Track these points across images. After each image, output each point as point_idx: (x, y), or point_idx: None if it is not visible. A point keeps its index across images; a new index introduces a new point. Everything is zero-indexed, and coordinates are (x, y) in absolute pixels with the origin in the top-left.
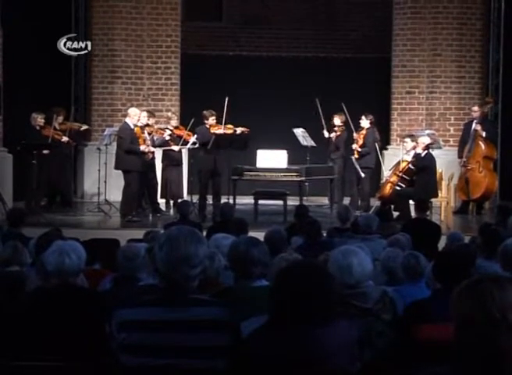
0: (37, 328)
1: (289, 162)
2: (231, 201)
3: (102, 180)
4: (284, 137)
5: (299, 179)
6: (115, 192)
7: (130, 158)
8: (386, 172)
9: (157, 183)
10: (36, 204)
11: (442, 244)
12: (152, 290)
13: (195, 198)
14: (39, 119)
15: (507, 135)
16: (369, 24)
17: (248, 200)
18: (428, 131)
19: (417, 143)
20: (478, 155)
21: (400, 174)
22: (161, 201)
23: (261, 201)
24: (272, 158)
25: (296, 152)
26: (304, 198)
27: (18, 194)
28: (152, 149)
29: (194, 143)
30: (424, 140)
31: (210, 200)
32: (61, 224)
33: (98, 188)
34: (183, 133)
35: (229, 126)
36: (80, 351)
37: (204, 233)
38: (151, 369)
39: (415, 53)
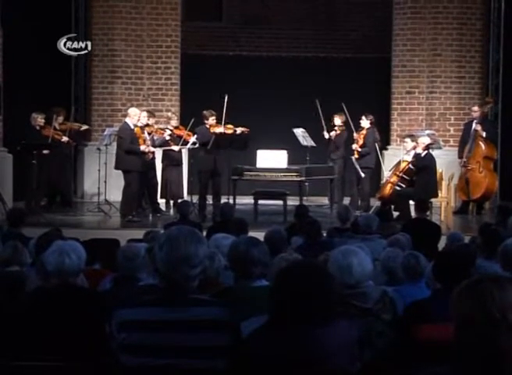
0: (37, 328)
1: (289, 162)
2: (231, 201)
3: (102, 180)
4: (284, 137)
5: (299, 179)
6: (115, 192)
7: (130, 158)
8: (386, 172)
9: (157, 184)
10: (36, 204)
11: (442, 244)
12: (152, 290)
13: (195, 198)
14: (39, 119)
15: (507, 135)
16: (369, 24)
17: (248, 200)
18: (428, 131)
19: (417, 143)
20: (478, 156)
21: (400, 174)
22: (161, 202)
23: (261, 201)
24: (271, 159)
25: (296, 152)
26: (304, 198)
27: (18, 194)
28: (152, 149)
29: (194, 143)
30: (425, 140)
31: (210, 200)
32: (61, 224)
33: (98, 188)
34: (183, 133)
35: (229, 126)
36: (79, 351)
37: (204, 234)
38: (151, 369)
39: (415, 53)
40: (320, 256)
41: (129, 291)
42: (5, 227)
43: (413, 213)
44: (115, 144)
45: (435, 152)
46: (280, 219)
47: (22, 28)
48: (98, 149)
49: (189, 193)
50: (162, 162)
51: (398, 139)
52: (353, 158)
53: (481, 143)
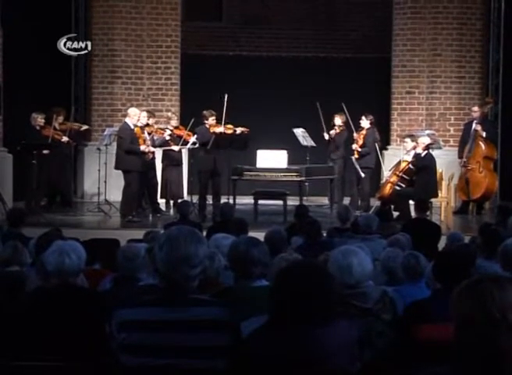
0: (37, 328)
1: (289, 162)
2: (231, 201)
3: (102, 180)
4: (284, 137)
5: (299, 179)
6: (115, 192)
7: (130, 158)
8: (386, 172)
9: (157, 184)
10: (36, 204)
11: (442, 244)
12: (152, 290)
13: (195, 198)
14: (39, 119)
15: (507, 135)
16: (369, 24)
17: (248, 200)
18: (428, 131)
19: (417, 143)
20: (478, 156)
21: (400, 174)
22: (161, 202)
23: (261, 201)
24: (271, 159)
25: (296, 152)
26: (304, 198)
27: (18, 194)
28: (152, 149)
29: (194, 143)
30: (425, 140)
31: (210, 200)
32: (61, 224)
33: (98, 188)
34: (183, 133)
35: (229, 126)
36: (80, 351)
37: (204, 234)
38: (151, 369)
39: (415, 53)
40: (320, 256)
41: (129, 291)
42: (5, 227)
43: (413, 213)
44: (115, 144)
45: (435, 152)
46: (280, 219)
47: (22, 28)
48: (98, 149)
49: (189, 193)
50: (162, 162)
51: (398, 139)
52: (353, 158)
53: (481, 143)
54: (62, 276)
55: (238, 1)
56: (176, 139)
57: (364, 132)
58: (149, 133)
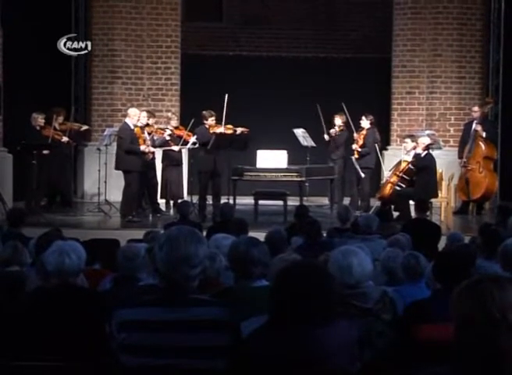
0: (37, 328)
1: (290, 162)
2: (231, 201)
3: (102, 181)
4: (284, 138)
5: (299, 179)
6: (115, 192)
7: (130, 158)
8: (386, 172)
9: (157, 184)
10: (36, 204)
11: (442, 244)
12: (152, 290)
13: (195, 199)
14: (39, 120)
15: (507, 135)
16: (369, 24)
17: (248, 200)
18: (428, 132)
19: (417, 143)
20: (478, 156)
21: (400, 174)
22: (161, 202)
23: (261, 202)
24: (272, 159)
25: (297, 152)
26: (304, 198)
27: (18, 194)
28: (152, 149)
29: (194, 143)
30: (425, 140)
31: (210, 200)
32: (61, 224)
33: (98, 188)
34: (183, 133)
35: (229, 126)
36: (80, 351)
37: (204, 234)
38: (151, 369)
39: (415, 53)
40: (320, 256)
41: (129, 291)
42: (5, 227)
43: (413, 213)
44: (115, 144)
45: (435, 152)
46: (280, 219)
47: (22, 28)
48: (98, 149)
49: (189, 193)
50: (162, 162)
51: (398, 139)
52: (353, 158)
53: (481, 143)
54: (62, 276)
55: (238, 2)
56: (176, 139)
57: (364, 132)
58: (149, 134)
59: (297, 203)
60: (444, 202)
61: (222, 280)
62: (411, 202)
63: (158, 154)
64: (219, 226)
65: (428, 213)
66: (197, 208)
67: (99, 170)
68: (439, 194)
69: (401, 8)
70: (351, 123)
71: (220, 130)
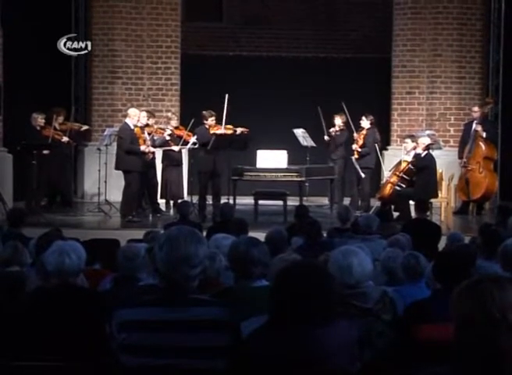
0: (37, 328)
1: (289, 162)
2: (231, 201)
3: (102, 181)
4: (284, 138)
5: (299, 179)
6: (115, 192)
7: (130, 158)
8: (386, 172)
9: (157, 184)
10: (36, 204)
11: (442, 244)
12: (152, 290)
13: (195, 199)
14: (39, 120)
15: (507, 136)
16: (369, 24)
17: (248, 200)
18: (428, 132)
19: (417, 143)
20: (478, 156)
21: (400, 174)
22: (161, 202)
23: (261, 202)
24: (272, 159)
25: (297, 152)
26: (304, 198)
27: (18, 194)
28: (152, 149)
29: (194, 143)
30: (425, 140)
31: (210, 200)
32: (61, 224)
33: (98, 188)
34: (183, 133)
35: (229, 126)
36: (80, 351)
37: (204, 234)
38: (151, 369)
39: (415, 53)
40: (320, 256)
41: (129, 291)
42: (6, 227)
43: (413, 213)
44: (115, 144)
45: (435, 153)
46: (280, 219)
47: (22, 28)
48: (98, 149)
49: (189, 193)
50: (162, 162)
51: (398, 139)
52: (353, 158)
53: (481, 143)
54: (62, 277)
55: (238, 2)
56: (176, 139)
57: (364, 132)
58: (149, 134)
59: (297, 203)
60: (444, 202)
61: (222, 280)
62: (411, 202)
63: (158, 154)
64: (219, 226)
65: (428, 213)
66: (197, 208)
67: (99, 170)
68: (439, 195)
69: (401, 9)
70: (351, 123)
71: (220, 131)
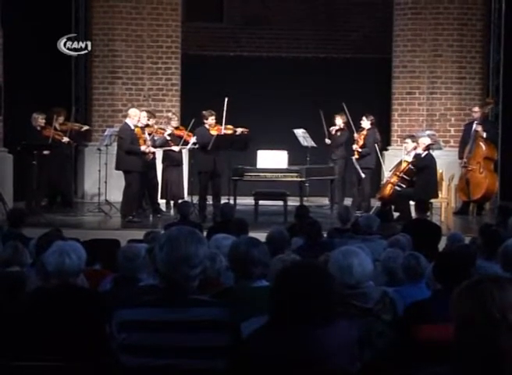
0: (37, 328)
1: (290, 162)
2: (231, 201)
3: (103, 181)
4: (284, 138)
5: (299, 179)
6: (115, 192)
7: (131, 158)
8: (387, 172)
9: (157, 184)
10: (36, 204)
11: (442, 244)
12: (152, 290)
13: (195, 199)
14: (40, 120)
15: (508, 136)
16: (370, 25)
17: (248, 200)
18: (428, 132)
19: (417, 144)
20: (478, 156)
21: (401, 175)
22: (162, 202)
23: (261, 202)
24: (272, 159)
25: (297, 153)
26: (305, 198)
27: (18, 195)
28: (153, 150)
29: (195, 143)
30: (425, 140)
31: (210, 200)
32: (61, 224)
33: (99, 189)
34: (184, 133)
35: (229, 126)
36: (80, 351)
37: (205, 234)
38: (151, 369)
39: (416, 54)
40: (320, 257)
41: (130, 292)
42: (6, 227)
43: (413, 214)
44: (115, 144)
45: (435, 153)
46: (280, 219)
47: (22, 28)
48: (99, 150)
49: (189, 193)
50: (163, 162)
51: (399, 140)
52: (353, 158)
53: (481, 144)
54: (62, 277)
55: (239, 2)
56: (177, 139)
57: (364, 132)
58: (149, 134)
59: (297, 203)
60: (444, 203)
61: (223, 281)
62: (412, 203)
63: (159, 154)
64: (220, 227)
65: (428, 214)
66: (198, 208)
67: (99, 170)
68: (440, 195)
69: (401, 9)
70: (352, 124)
71: (220, 131)
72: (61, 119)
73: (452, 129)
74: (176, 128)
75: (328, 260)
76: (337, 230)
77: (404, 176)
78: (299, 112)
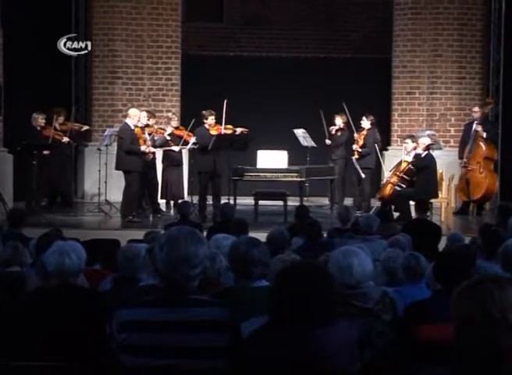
0: (37, 328)
1: (290, 162)
2: (231, 201)
3: (103, 181)
4: (284, 138)
5: (299, 179)
6: (115, 192)
7: (131, 158)
8: (387, 172)
9: (157, 184)
10: (36, 204)
11: (442, 244)
12: (152, 290)
13: (195, 199)
14: (40, 120)
15: (508, 136)
16: (370, 25)
17: (248, 200)
18: (428, 132)
19: (417, 144)
20: (478, 156)
21: (401, 175)
22: (162, 202)
23: (261, 202)
24: (272, 159)
25: (297, 153)
26: (305, 198)
27: (18, 195)
28: (153, 150)
29: (195, 143)
30: (425, 140)
31: (210, 200)
32: (61, 224)
33: (99, 189)
34: (184, 133)
35: (229, 126)
36: (80, 351)
37: (205, 234)
38: (151, 369)
39: (416, 54)
40: (320, 257)
41: (130, 292)
42: (6, 227)
43: (413, 214)
44: (115, 144)
45: (435, 153)
46: (280, 219)
47: (22, 28)
48: (99, 150)
49: (189, 193)
50: (163, 162)
51: (399, 140)
52: (353, 158)
53: (481, 144)
54: (62, 277)
55: (239, 2)
56: (177, 139)
57: (364, 132)
58: (149, 134)
59: (297, 203)
60: (444, 203)
61: (223, 281)
62: (412, 203)
63: (159, 154)
64: (220, 227)
65: (428, 214)
66: (198, 208)
67: (99, 170)
68: (440, 195)
69: (401, 9)
70: (352, 124)
71: (220, 132)
72: (61, 119)
73: (452, 129)
74: (176, 128)
75: (328, 260)
76: (337, 230)
77: (404, 176)
78: (299, 112)
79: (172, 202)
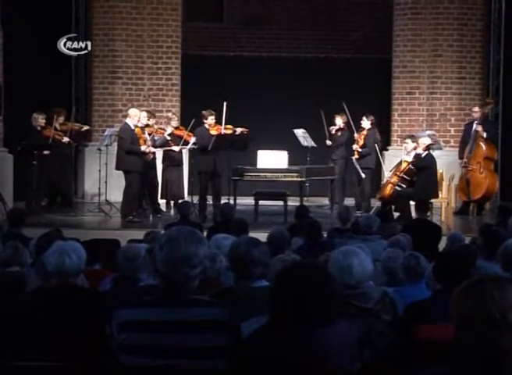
0: (37, 328)
1: (290, 162)
2: (231, 201)
3: (103, 181)
4: (284, 138)
5: (299, 179)
6: (115, 192)
7: (131, 158)
8: (387, 172)
9: (157, 184)
10: (36, 204)
11: (442, 244)
12: (152, 290)
13: (195, 199)
14: (40, 120)
15: (508, 136)
16: (370, 25)
17: (249, 200)
18: (428, 132)
19: (417, 144)
20: (478, 156)
21: (401, 175)
22: (162, 202)
23: (261, 202)
24: (272, 159)
25: (297, 153)
26: (305, 198)
27: (18, 195)
28: (153, 150)
29: (195, 143)
30: (425, 140)
31: (210, 200)
32: (61, 224)
33: (99, 189)
34: (184, 133)
35: (229, 126)
36: (80, 351)
37: (205, 234)
38: (151, 369)
39: (416, 54)
40: (320, 257)
41: (130, 292)
42: (6, 227)
43: (413, 214)
44: (115, 144)
45: (435, 153)
46: (281, 219)
47: (22, 28)
48: (99, 150)
49: (189, 193)
50: (163, 162)
51: (399, 140)
52: (353, 158)
53: (481, 144)
54: (62, 277)
55: (239, 2)
56: (177, 139)
57: (364, 132)
58: (149, 134)
59: (297, 203)
60: (444, 203)
61: (223, 281)
62: (412, 203)
63: (159, 154)
64: (220, 227)
65: (428, 214)
66: (198, 208)
67: (99, 170)
68: (440, 195)
69: (401, 9)
70: (352, 123)
71: (220, 132)
72: (61, 119)
73: (452, 129)
74: (176, 128)
75: (328, 260)
76: (337, 230)
77: (404, 176)
78: (299, 112)
79: (172, 202)
